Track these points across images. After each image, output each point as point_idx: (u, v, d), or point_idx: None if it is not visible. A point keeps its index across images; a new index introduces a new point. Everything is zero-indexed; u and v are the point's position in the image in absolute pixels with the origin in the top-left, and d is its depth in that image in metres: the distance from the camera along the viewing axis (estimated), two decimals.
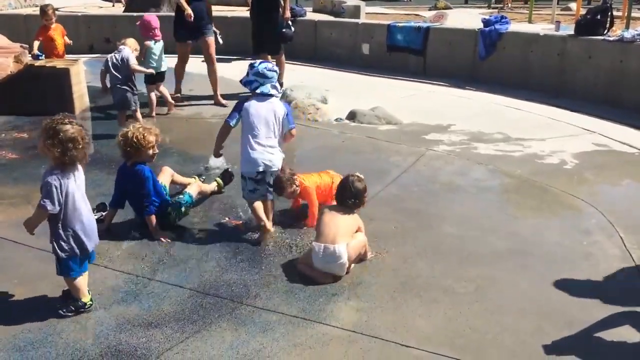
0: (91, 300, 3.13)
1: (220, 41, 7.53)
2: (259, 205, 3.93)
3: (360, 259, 3.59)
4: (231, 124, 4.01)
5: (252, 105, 3.96)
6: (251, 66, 4.03)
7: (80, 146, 2.94)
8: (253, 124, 3.91)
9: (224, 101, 7.31)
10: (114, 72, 5.96)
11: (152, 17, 6.79)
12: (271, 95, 4.00)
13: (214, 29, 7.40)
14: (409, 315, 3.13)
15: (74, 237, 3.02)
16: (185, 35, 7.23)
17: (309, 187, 4.13)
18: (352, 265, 3.53)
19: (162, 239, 3.88)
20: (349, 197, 3.60)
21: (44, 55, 7.68)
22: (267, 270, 3.54)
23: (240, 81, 4.14)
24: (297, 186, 4.09)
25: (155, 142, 3.98)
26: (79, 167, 3.07)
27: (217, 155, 4.25)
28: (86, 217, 3.07)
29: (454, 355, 2.81)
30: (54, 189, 2.92)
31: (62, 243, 3.02)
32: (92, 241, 3.10)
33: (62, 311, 3.07)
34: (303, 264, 3.51)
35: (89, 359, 2.75)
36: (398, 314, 3.14)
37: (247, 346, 2.85)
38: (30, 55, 7.45)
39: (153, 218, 3.91)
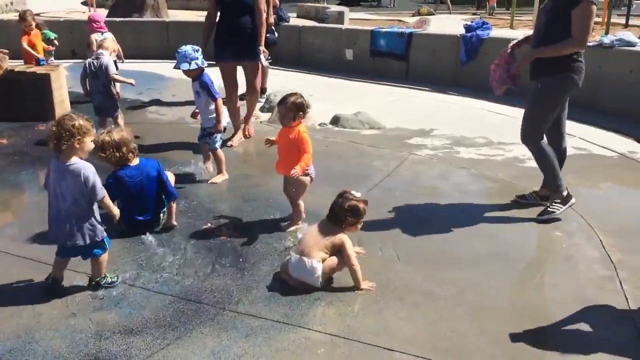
0: (52, 280, 3.29)
1: (265, 62, 6.11)
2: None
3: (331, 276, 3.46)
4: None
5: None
6: (196, 50, 4.87)
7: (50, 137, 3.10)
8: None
9: (252, 130, 6.37)
10: (91, 79, 5.90)
11: (96, 14, 7.74)
12: None
13: (262, 48, 5.98)
14: (391, 319, 3.14)
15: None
16: (225, 54, 5.98)
17: (304, 136, 4.00)
18: (332, 278, 3.46)
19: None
20: (334, 212, 3.47)
21: (44, 61, 7.67)
22: (250, 276, 3.53)
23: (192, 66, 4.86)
24: (296, 118, 3.99)
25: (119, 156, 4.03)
26: (60, 161, 3.14)
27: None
28: (50, 213, 3.20)
29: (436, 358, 2.82)
30: None
31: None
32: (52, 234, 3.24)
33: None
34: (284, 273, 3.48)
35: None
36: (380, 318, 3.14)
37: (229, 352, 2.83)
38: (42, 60, 7.62)
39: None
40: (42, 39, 8.29)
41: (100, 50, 5.94)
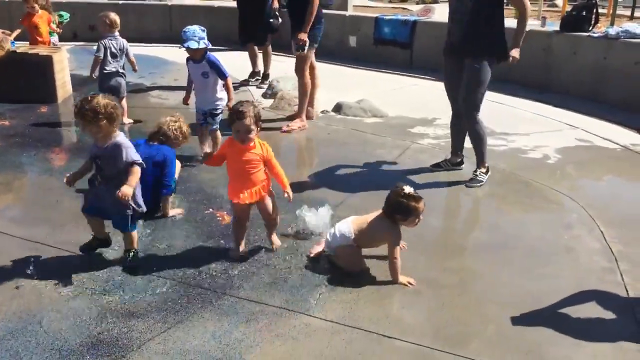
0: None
1: (294, 49, 6.03)
2: None
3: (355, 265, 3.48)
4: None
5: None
6: (202, 30, 4.81)
7: None
8: None
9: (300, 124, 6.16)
10: (111, 59, 5.85)
11: None
12: None
13: (301, 37, 6.09)
14: (393, 307, 3.14)
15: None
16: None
17: (271, 157, 3.52)
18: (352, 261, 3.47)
19: (178, 213, 4.09)
20: (386, 204, 3.41)
21: (15, 44, 7.57)
22: (251, 262, 3.53)
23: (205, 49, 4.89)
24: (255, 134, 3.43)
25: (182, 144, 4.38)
26: None
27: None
28: None
29: (437, 347, 2.83)
30: None
31: None
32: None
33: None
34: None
35: (69, 348, 2.73)
36: (381, 306, 3.15)
37: (229, 336, 2.84)
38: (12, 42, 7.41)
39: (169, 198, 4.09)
40: (59, 20, 8.36)
41: (116, 33, 5.90)
